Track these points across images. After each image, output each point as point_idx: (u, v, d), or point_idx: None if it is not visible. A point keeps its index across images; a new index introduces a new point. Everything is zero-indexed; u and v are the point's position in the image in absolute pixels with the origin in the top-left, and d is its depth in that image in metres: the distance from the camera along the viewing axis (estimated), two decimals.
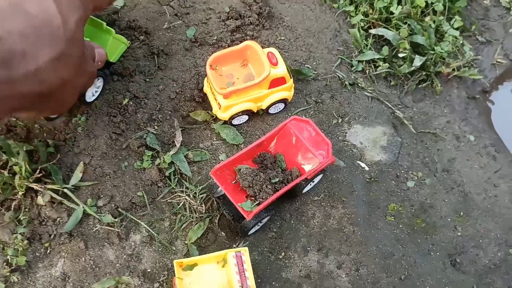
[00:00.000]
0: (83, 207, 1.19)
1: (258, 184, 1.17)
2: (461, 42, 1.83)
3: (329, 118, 1.52)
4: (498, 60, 1.94)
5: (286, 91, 1.39)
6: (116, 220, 1.20)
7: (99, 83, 1.32)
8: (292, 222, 1.32)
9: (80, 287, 1.14)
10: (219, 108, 1.34)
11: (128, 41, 1.35)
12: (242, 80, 1.35)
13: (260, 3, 1.62)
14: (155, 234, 1.22)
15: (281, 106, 1.44)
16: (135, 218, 1.23)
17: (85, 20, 0.96)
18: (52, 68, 0.87)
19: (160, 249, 1.21)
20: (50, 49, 0.85)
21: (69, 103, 1.07)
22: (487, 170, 1.58)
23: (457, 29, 1.84)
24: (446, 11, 1.82)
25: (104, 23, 1.26)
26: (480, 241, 1.43)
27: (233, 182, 1.19)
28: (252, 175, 1.18)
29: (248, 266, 1.10)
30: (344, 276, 1.27)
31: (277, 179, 1.18)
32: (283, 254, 1.27)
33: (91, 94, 1.31)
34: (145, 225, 1.22)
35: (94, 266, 1.17)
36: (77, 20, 0.90)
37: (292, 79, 1.38)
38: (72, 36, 0.89)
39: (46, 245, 1.17)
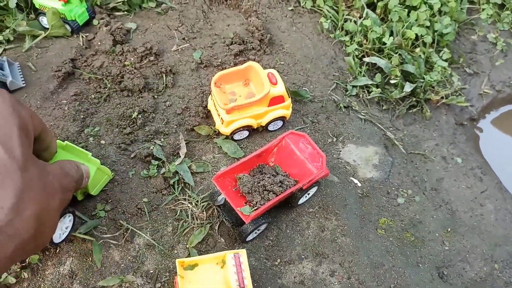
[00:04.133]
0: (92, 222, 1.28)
1: (257, 191, 1.26)
2: (449, 72, 1.96)
3: (324, 137, 1.62)
4: (485, 90, 2.06)
5: (284, 109, 1.49)
6: (117, 233, 1.28)
7: (67, 222, 1.20)
8: (288, 231, 1.39)
9: (86, 285, 1.20)
10: (222, 123, 1.44)
11: (112, 174, 1.33)
12: (244, 98, 1.45)
13: (262, 30, 1.75)
14: (156, 244, 1.29)
15: (279, 123, 1.54)
16: (135, 229, 1.29)
17: (30, 144, 0.83)
18: (21, 220, 0.73)
19: (162, 252, 1.28)
20: (9, 201, 0.72)
21: (50, 235, 0.90)
22: (474, 190, 1.67)
23: (445, 60, 1.97)
24: (435, 44, 1.96)
25: (89, 154, 1.20)
26: (467, 255, 1.50)
27: (233, 189, 1.28)
28: (251, 183, 1.26)
29: (245, 266, 1.17)
30: (336, 283, 1.33)
31: (274, 187, 1.27)
32: (278, 261, 1.34)
33: (58, 236, 1.19)
34: (145, 235, 1.30)
35: (100, 266, 1.23)
36: (23, 152, 0.77)
37: (290, 99, 1.49)
38: (29, 173, 0.76)
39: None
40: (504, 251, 1.54)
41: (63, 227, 1.19)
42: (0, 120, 0.76)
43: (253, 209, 1.23)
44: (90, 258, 1.24)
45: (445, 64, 1.94)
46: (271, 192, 1.26)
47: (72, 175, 0.96)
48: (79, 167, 1.04)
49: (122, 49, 1.59)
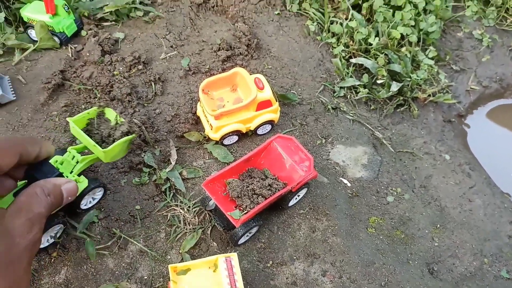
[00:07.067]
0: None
1: (246, 195, 1.28)
2: (436, 70, 1.99)
3: (313, 139, 1.64)
4: (472, 87, 2.09)
5: (273, 113, 1.52)
6: (109, 243, 1.30)
7: (99, 193, 1.31)
8: (280, 233, 1.41)
9: None
10: (211, 129, 1.46)
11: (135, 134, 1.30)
12: (232, 103, 1.48)
13: (249, 35, 1.77)
14: (149, 251, 1.31)
15: (268, 127, 1.57)
16: (127, 237, 1.32)
17: None
18: None
19: (156, 258, 1.31)
20: None
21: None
22: (462, 186, 1.70)
23: (432, 58, 2.00)
24: (421, 42, 1.98)
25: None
26: (456, 251, 1.53)
27: (223, 194, 1.30)
28: (240, 187, 1.29)
29: (237, 270, 1.19)
30: (328, 283, 1.35)
31: (263, 191, 1.29)
32: (271, 262, 1.36)
33: (87, 202, 1.29)
34: (138, 243, 1.32)
35: (94, 273, 1.25)
36: None
37: (277, 102, 1.51)
38: None
39: (54, 254, 1.26)
40: (493, 245, 1.57)
41: (91, 197, 1.29)
42: None
43: (243, 213, 1.25)
44: (85, 267, 1.26)
45: (432, 62, 1.96)
46: (260, 196, 1.28)
47: (40, 217, 0.78)
48: (56, 191, 0.85)
49: (111, 59, 1.61)
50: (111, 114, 1.27)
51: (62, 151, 1.24)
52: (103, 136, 1.23)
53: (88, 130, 1.25)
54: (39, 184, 0.83)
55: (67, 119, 1.21)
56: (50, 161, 1.05)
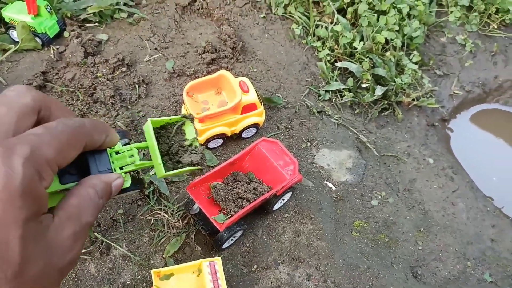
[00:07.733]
0: None
1: (231, 199, 1.27)
2: (420, 75, 2.00)
3: (298, 142, 1.64)
4: (455, 91, 2.11)
5: (258, 117, 1.51)
6: (91, 247, 1.27)
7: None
8: (264, 237, 1.41)
9: None
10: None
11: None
12: (216, 106, 1.47)
13: (234, 38, 1.77)
14: (131, 255, 1.29)
15: (253, 130, 1.56)
16: (110, 242, 1.30)
17: (31, 214, 0.50)
18: None
19: (139, 263, 1.29)
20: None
21: None
22: (446, 190, 1.71)
23: (416, 63, 2.01)
24: (405, 47, 2.00)
25: None
26: (440, 254, 1.54)
27: (207, 198, 1.29)
28: (225, 191, 1.28)
29: (221, 274, 1.18)
30: (313, 287, 1.35)
31: (247, 195, 1.28)
32: (255, 267, 1.35)
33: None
34: (121, 247, 1.30)
35: (76, 279, 1.23)
36: (21, 234, 0.50)
37: (262, 106, 1.51)
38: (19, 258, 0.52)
39: None
40: (476, 249, 1.58)
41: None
42: None
43: (227, 217, 1.24)
44: None
45: (416, 66, 1.98)
46: (244, 200, 1.27)
47: (87, 228, 0.64)
48: (107, 191, 0.73)
49: (94, 60, 1.59)
50: (189, 129, 1.15)
51: (123, 133, 1.14)
52: (171, 150, 1.11)
53: (160, 134, 1.18)
54: (92, 184, 0.67)
55: (149, 119, 1.14)
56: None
